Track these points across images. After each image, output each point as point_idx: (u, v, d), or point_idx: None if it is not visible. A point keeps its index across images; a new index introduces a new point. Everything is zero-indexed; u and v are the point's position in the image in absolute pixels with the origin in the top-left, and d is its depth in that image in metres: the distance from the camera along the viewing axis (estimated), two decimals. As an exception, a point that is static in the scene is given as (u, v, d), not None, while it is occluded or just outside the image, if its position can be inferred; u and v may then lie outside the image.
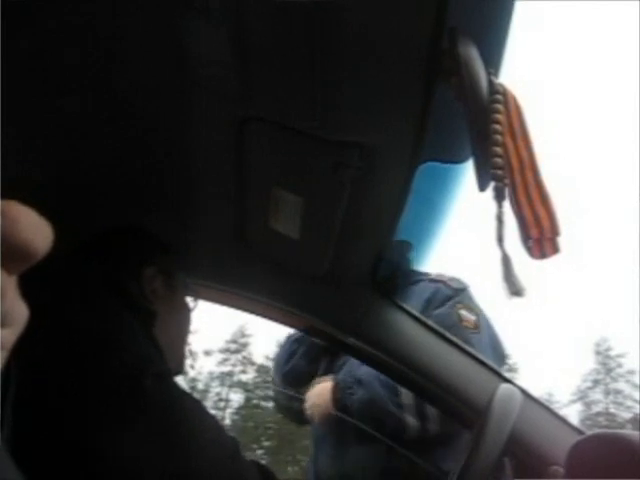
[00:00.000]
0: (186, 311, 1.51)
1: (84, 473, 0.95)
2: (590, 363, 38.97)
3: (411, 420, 2.04)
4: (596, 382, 37.95)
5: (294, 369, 2.33)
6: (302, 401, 2.29)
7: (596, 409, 36.96)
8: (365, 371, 2.10)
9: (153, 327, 1.33)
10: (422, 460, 2.01)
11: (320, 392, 2.24)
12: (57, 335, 1.03)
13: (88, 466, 0.95)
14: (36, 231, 0.36)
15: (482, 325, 2.13)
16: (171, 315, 1.42)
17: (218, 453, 1.08)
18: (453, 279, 2.26)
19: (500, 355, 2.14)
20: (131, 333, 1.17)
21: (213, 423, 1.15)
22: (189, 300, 1.52)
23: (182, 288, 1.49)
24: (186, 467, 1.02)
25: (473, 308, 2.15)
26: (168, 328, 1.39)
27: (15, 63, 1.08)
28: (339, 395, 2.18)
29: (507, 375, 1.75)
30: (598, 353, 38.55)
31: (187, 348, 1.51)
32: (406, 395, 2.03)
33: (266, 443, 35.10)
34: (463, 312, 2.11)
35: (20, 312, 0.38)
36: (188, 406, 1.11)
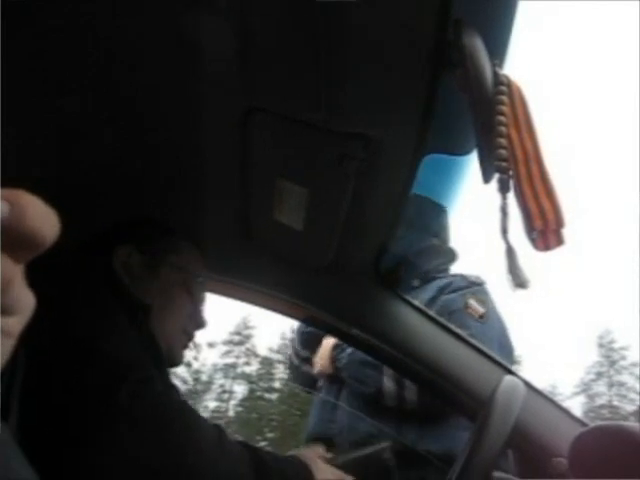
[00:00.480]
0: (176, 296, 1.45)
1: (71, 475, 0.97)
2: (593, 356, 38.99)
3: (389, 385, 2.06)
4: (599, 375, 37.95)
5: (312, 331, 2.34)
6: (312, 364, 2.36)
7: (599, 401, 36.97)
8: None
9: (148, 321, 1.33)
10: (403, 434, 2.03)
11: (322, 351, 2.30)
12: (55, 334, 1.04)
13: (72, 470, 0.96)
14: (43, 220, 0.36)
15: (491, 319, 2.12)
16: (154, 299, 1.38)
17: (202, 447, 1.08)
18: (472, 275, 2.27)
19: (507, 354, 2.14)
20: (118, 337, 1.16)
21: (194, 419, 1.14)
22: (186, 285, 1.47)
23: (172, 271, 1.44)
24: (169, 467, 1.03)
25: (485, 301, 2.14)
26: (160, 317, 1.38)
27: (16, 62, 1.09)
28: (335, 353, 2.24)
29: (511, 367, 1.75)
30: (601, 346, 38.54)
31: (186, 337, 1.48)
32: None
33: (270, 434, 35.17)
34: (472, 301, 2.11)
35: (27, 301, 0.39)
36: (168, 408, 1.11)
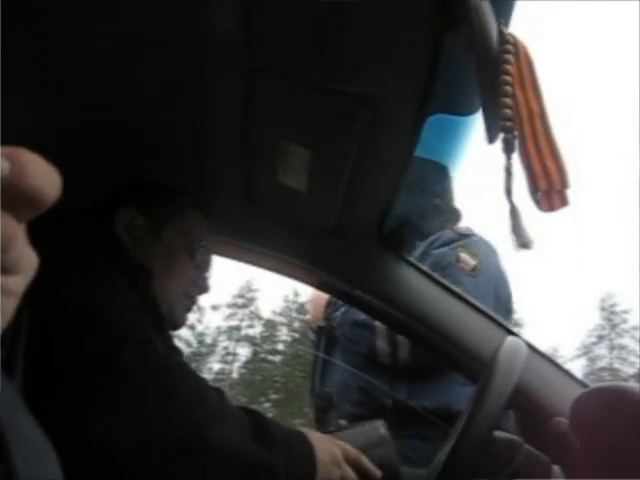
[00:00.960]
0: (178, 259, 1.45)
1: (71, 444, 0.98)
2: (595, 319, 39.16)
3: (382, 345, 2.07)
4: (600, 337, 38.16)
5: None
6: None
7: (600, 364, 37.22)
8: None
9: (150, 285, 1.33)
10: (398, 391, 2.04)
11: (316, 302, 2.34)
12: (54, 299, 1.04)
13: (73, 438, 0.97)
14: (45, 178, 0.36)
15: (483, 272, 2.10)
16: (154, 262, 1.38)
17: (204, 409, 1.09)
18: (463, 227, 2.25)
19: (505, 307, 2.14)
20: (118, 301, 1.16)
21: (196, 381, 1.15)
22: (189, 248, 1.46)
23: (174, 234, 1.44)
24: (173, 431, 1.03)
25: (476, 254, 2.12)
26: (161, 280, 1.38)
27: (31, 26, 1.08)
28: (330, 311, 2.27)
29: (513, 329, 1.76)
30: (603, 309, 38.70)
31: (188, 300, 1.48)
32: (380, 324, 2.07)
33: (273, 396, 35.56)
34: (463, 255, 2.09)
35: (29, 260, 0.39)
36: (170, 370, 1.11)
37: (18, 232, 0.36)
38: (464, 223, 2.29)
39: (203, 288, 1.52)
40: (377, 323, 2.06)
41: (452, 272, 2.00)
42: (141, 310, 1.22)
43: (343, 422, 1.46)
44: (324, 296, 2.27)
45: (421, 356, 2.01)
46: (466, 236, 2.19)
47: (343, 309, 2.19)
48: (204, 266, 1.52)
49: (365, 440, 1.31)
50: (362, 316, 2.08)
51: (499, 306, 2.06)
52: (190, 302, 1.49)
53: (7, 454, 0.39)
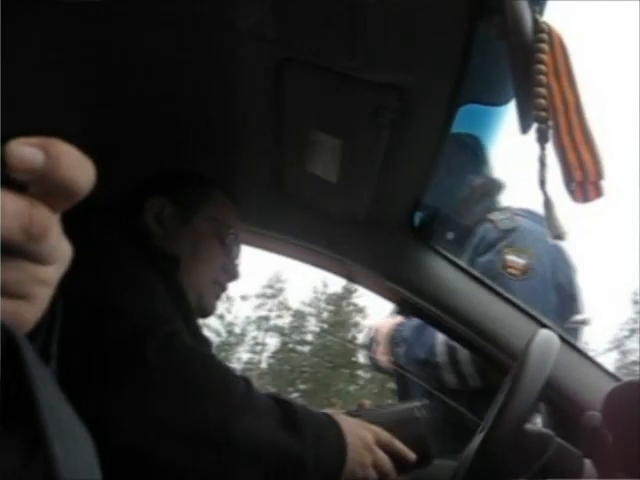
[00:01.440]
0: (208, 248, 1.45)
1: (95, 438, 0.98)
2: (627, 312, 38.66)
3: (449, 378, 2.03)
4: (632, 331, 37.68)
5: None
6: None
7: (632, 358, 36.79)
8: (409, 328, 2.12)
9: (177, 273, 1.34)
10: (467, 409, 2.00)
11: (381, 338, 2.25)
12: (81, 290, 1.03)
13: (99, 428, 0.97)
14: (79, 169, 0.37)
15: (536, 268, 1.99)
16: (186, 250, 1.39)
17: (230, 400, 1.08)
18: (504, 218, 2.11)
19: (569, 294, 2.06)
20: (144, 291, 1.16)
21: (222, 372, 1.14)
22: (220, 236, 1.46)
23: (205, 222, 1.45)
24: (196, 426, 1.02)
25: (524, 250, 2.00)
26: (190, 267, 1.38)
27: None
28: (392, 346, 2.20)
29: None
30: (636, 302, 38.22)
31: (218, 288, 1.49)
32: (442, 354, 2.02)
33: (302, 386, 35.68)
34: (510, 257, 1.98)
35: (64, 250, 0.39)
36: (196, 360, 1.10)
37: (53, 223, 0.36)
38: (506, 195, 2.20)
39: (233, 275, 1.52)
40: (439, 358, 2.03)
41: (503, 282, 1.90)
42: (168, 300, 1.21)
43: (366, 402, 1.44)
44: (387, 330, 2.23)
45: (490, 378, 1.96)
46: (509, 231, 2.06)
47: (405, 346, 2.15)
48: (234, 252, 1.51)
49: (398, 421, 1.30)
50: (423, 353, 2.06)
51: (563, 296, 1.99)
52: (220, 289, 1.49)
53: (46, 439, 0.39)
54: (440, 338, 2.01)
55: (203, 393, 1.06)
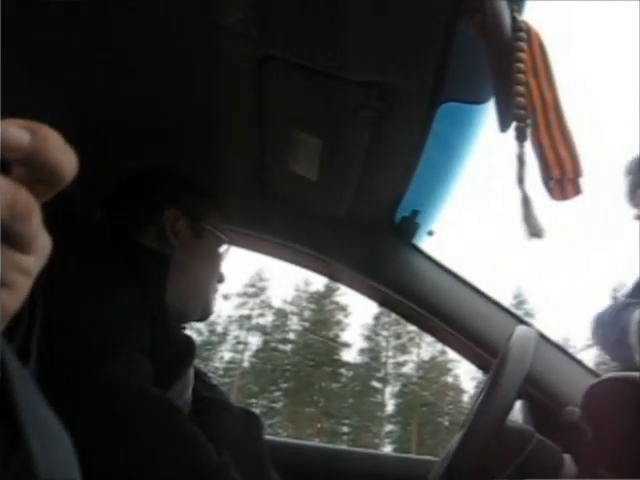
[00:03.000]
0: (213, 256, 1.47)
1: None
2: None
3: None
4: (613, 327, 37.95)
5: None
6: None
7: (612, 354, 37.01)
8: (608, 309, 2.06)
9: (166, 275, 1.33)
10: None
11: None
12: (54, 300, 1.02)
13: None
14: (63, 154, 0.37)
15: None
16: (195, 260, 1.41)
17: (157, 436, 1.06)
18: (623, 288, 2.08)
19: None
20: (102, 306, 1.12)
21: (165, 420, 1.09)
22: (219, 244, 1.48)
23: (210, 232, 1.45)
24: (121, 459, 1.01)
25: None
26: (192, 273, 1.39)
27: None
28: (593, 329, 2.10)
29: (524, 319, 1.75)
30: (615, 299, 38.48)
31: (214, 292, 1.49)
32: (634, 333, 1.87)
33: (284, 385, 35.70)
34: None
35: (44, 242, 0.39)
36: (137, 406, 1.06)
37: (35, 209, 0.37)
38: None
39: (222, 278, 1.52)
40: (631, 339, 1.96)
41: None
42: (135, 309, 1.18)
43: None
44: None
45: None
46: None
47: (602, 327, 2.08)
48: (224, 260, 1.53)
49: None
50: (616, 334, 1.93)
51: None
52: (215, 293, 1.51)
53: (24, 438, 0.39)
54: (636, 317, 1.96)
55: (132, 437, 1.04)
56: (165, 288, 1.33)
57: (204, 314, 1.46)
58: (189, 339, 1.34)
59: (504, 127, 0.98)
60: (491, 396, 1.17)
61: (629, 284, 2.02)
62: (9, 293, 0.38)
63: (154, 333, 1.19)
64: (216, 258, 1.48)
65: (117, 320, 1.13)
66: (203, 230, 1.43)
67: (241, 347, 37.28)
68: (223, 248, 1.50)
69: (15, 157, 0.35)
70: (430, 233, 2.09)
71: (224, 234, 1.49)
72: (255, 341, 37.77)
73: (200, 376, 1.41)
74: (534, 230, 0.96)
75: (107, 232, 1.32)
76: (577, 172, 0.95)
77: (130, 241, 1.34)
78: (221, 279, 1.52)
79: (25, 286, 0.39)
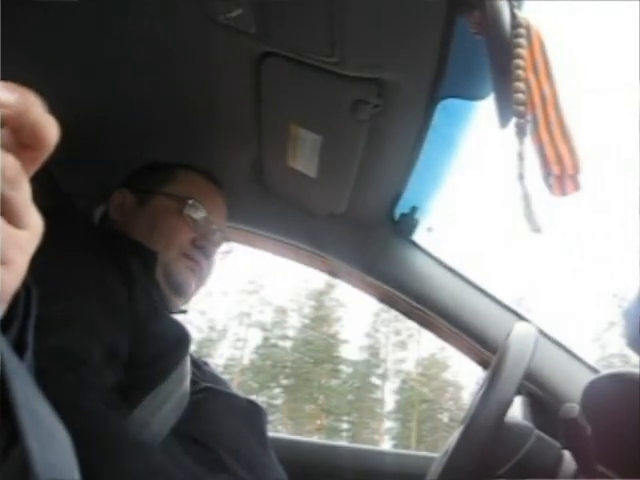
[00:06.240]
0: (172, 222, 1.43)
1: None
2: (606, 306, 38.98)
3: None
4: (612, 324, 38.03)
5: None
6: None
7: (611, 350, 37.11)
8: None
9: (154, 269, 1.35)
10: None
11: None
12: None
13: None
14: (46, 119, 0.38)
15: None
16: (150, 231, 1.41)
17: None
18: None
19: None
20: (71, 303, 1.09)
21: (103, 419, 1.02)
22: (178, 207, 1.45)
23: (162, 200, 1.45)
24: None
25: None
26: (152, 245, 1.39)
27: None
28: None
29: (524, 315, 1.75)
30: (614, 295, 38.55)
31: (189, 261, 1.44)
32: None
33: (284, 381, 35.68)
34: None
35: (35, 220, 0.39)
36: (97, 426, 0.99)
37: (24, 175, 0.37)
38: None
39: (206, 250, 1.47)
40: None
41: None
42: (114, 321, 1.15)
43: None
44: None
45: None
46: None
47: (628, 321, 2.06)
48: (203, 227, 1.47)
49: None
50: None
51: None
52: (192, 263, 1.44)
53: (22, 434, 0.39)
54: None
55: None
56: (152, 281, 1.34)
57: (172, 286, 1.41)
58: (183, 329, 1.32)
59: (504, 123, 0.98)
60: (490, 392, 1.16)
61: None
62: (8, 271, 0.38)
63: (138, 329, 1.17)
64: (173, 224, 1.44)
65: (87, 321, 1.10)
66: (151, 200, 1.46)
67: (241, 344, 37.24)
68: (190, 212, 1.45)
69: (3, 114, 0.36)
70: (429, 230, 2.10)
71: (192, 200, 1.46)
72: (255, 338, 37.76)
73: (200, 366, 1.40)
74: (534, 226, 0.96)
75: (91, 224, 1.34)
76: (576, 168, 0.95)
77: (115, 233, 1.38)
78: (206, 250, 1.47)
79: (22, 264, 0.39)
